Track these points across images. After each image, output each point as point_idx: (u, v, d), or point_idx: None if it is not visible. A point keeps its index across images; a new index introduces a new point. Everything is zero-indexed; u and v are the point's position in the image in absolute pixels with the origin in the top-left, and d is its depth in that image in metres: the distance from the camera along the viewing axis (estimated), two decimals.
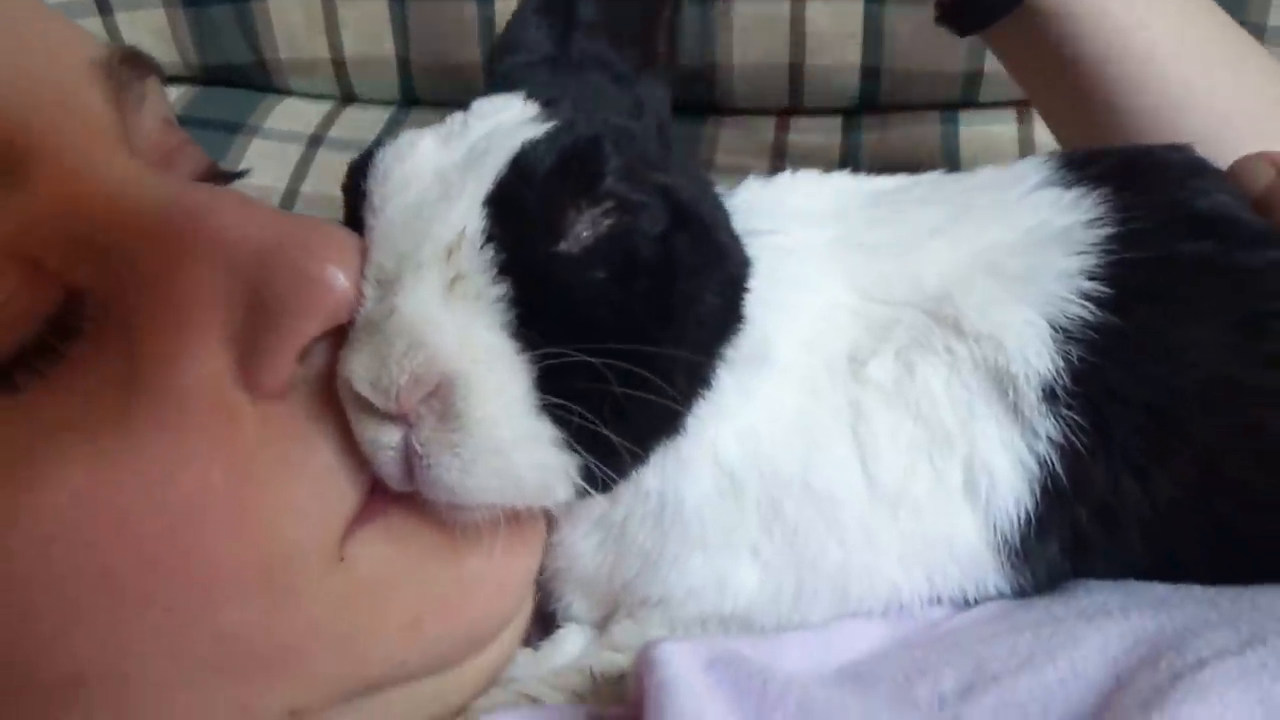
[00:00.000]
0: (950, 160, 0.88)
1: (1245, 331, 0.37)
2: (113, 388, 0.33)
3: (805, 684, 0.32)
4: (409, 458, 0.34)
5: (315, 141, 0.92)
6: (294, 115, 0.94)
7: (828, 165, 0.89)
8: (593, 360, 0.33)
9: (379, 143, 0.38)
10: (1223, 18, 0.60)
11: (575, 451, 0.34)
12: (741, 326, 0.39)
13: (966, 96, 0.87)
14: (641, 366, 0.34)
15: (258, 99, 0.95)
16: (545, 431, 0.34)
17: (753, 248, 0.40)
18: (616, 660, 0.39)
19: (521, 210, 0.34)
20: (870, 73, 0.87)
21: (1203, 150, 0.44)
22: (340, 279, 0.34)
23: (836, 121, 0.91)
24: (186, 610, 0.33)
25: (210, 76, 0.96)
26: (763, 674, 0.32)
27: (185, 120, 0.94)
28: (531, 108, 0.38)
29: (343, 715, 0.36)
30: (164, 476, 0.33)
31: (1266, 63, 0.60)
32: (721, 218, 0.40)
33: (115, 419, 0.33)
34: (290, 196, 0.89)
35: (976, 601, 0.39)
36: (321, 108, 0.95)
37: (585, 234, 0.35)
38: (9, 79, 0.35)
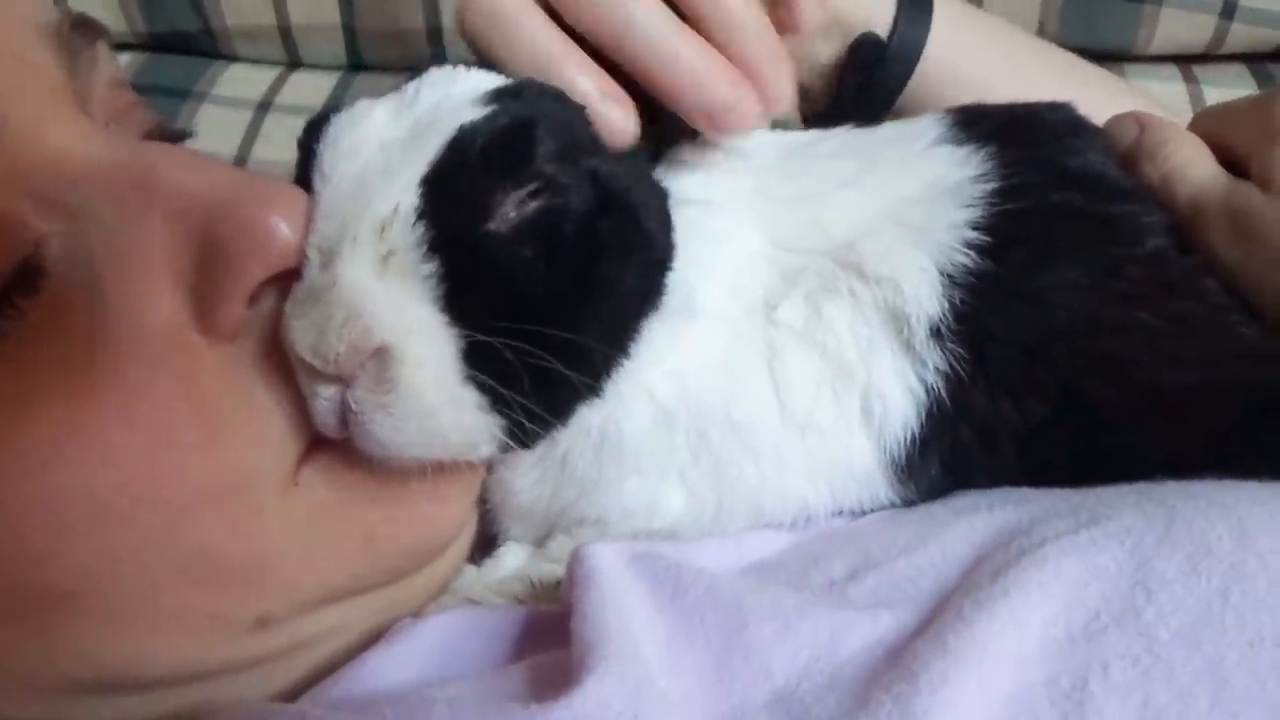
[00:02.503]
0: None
1: (1104, 273, 0.42)
2: (79, 333, 0.36)
3: (715, 573, 0.37)
4: (344, 411, 0.37)
5: (264, 107, 0.94)
6: (242, 82, 0.96)
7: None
8: (514, 343, 0.36)
9: (337, 106, 0.40)
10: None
11: (498, 414, 0.38)
12: (661, 301, 0.42)
13: None
14: (561, 344, 0.37)
15: (206, 65, 0.97)
16: (470, 398, 0.37)
17: (678, 209, 0.44)
18: (554, 570, 0.43)
19: (454, 190, 0.37)
20: None
21: None
22: (284, 228, 0.37)
23: None
24: (161, 528, 0.36)
25: (158, 43, 0.98)
26: (677, 565, 0.36)
27: (134, 87, 0.95)
28: (482, 83, 0.41)
29: (307, 622, 0.40)
30: (132, 410, 0.36)
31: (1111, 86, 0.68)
32: (655, 202, 0.43)
33: (85, 360, 0.36)
34: (240, 163, 0.91)
35: (871, 512, 0.44)
36: (269, 74, 0.97)
37: (512, 214, 0.37)
38: None
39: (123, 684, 0.37)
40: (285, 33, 0.95)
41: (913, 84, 0.61)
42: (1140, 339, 0.42)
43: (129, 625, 0.37)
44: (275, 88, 0.96)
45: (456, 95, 0.40)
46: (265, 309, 0.39)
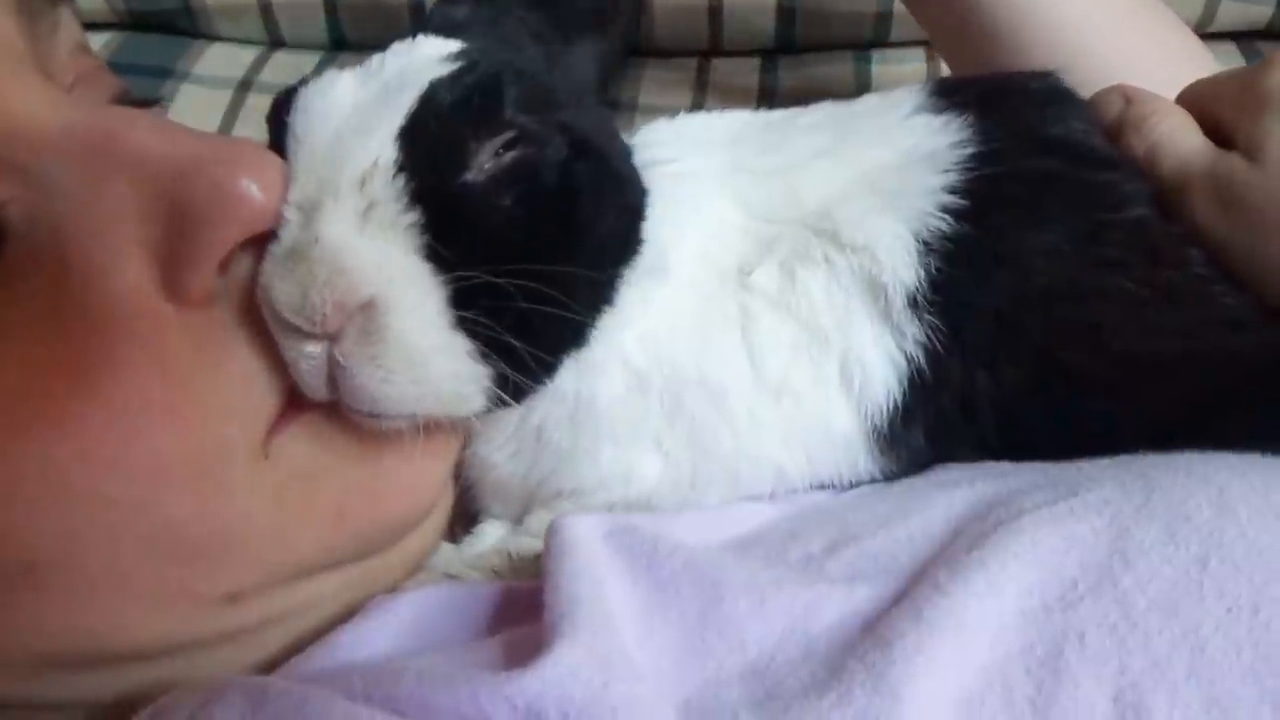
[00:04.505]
0: (863, 93, 0.92)
1: (1085, 238, 0.42)
2: (43, 299, 0.35)
3: (692, 546, 0.36)
4: (332, 369, 0.37)
5: (245, 86, 0.93)
6: (223, 60, 0.95)
7: (747, 103, 0.93)
8: (499, 281, 0.36)
9: (303, 80, 0.40)
10: None
11: (488, 362, 0.38)
12: (640, 247, 0.42)
13: (878, 36, 0.91)
14: (545, 285, 0.37)
15: (186, 44, 0.96)
16: (460, 344, 0.37)
17: (652, 175, 0.44)
18: (531, 544, 0.43)
19: (429, 142, 0.37)
20: (786, 14, 0.91)
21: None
22: (254, 189, 0.36)
23: (755, 62, 0.94)
24: (127, 500, 0.36)
25: (138, 22, 0.97)
26: (654, 538, 0.36)
27: (113, 66, 0.93)
28: (444, 48, 0.41)
29: (279, 596, 0.40)
30: (98, 379, 0.35)
31: (1165, 15, 0.65)
32: (620, 150, 0.43)
33: (46, 328, 0.35)
34: None
35: (852, 484, 0.43)
36: (250, 53, 0.96)
37: (488, 164, 0.38)
38: None
39: (91, 659, 0.37)
40: (266, 10, 0.94)
41: None
42: (1120, 306, 0.41)
43: (95, 600, 0.36)
44: (256, 67, 0.95)
45: (421, 58, 0.40)
46: (236, 275, 0.38)
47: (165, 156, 0.37)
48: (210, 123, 0.91)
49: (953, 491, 0.38)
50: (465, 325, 0.37)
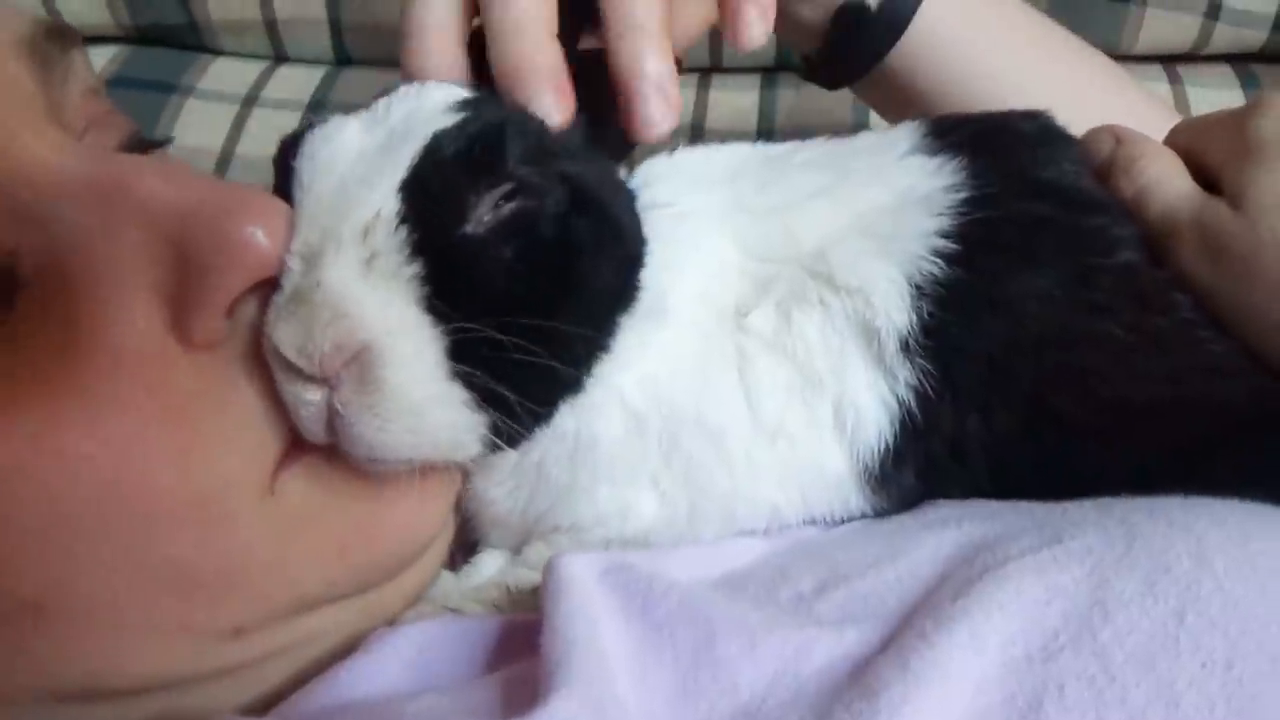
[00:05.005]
0: (859, 115, 0.93)
1: (1075, 283, 0.43)
2: (54, 344, 0.36)
3: (686, 587, 0.37)
4: (330, 416, 0.38)
5: (249, 102, 0.94)
6: (227, 75, 0.96)
7: (746, 121, 0.94)
8: (498, 336, 0.37)
9: (309, 124, 0.41)
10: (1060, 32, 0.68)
11: (484, 411, 0.38)
12: (638, 294, 0.43)
13: None
14: (542, 339, 0.38)
15: (191, 59, 0.97)
16: (456, 394, 0.38)
17: (651, 215, 0.44)
18: (530, 576, 0.44)
19: (431, 194, 0.38)
20: None
21: None
22: (260, 237, 0.37)
23: (755, 79, 0.95)
24: (132, 539, 0.36)
25: (143, 37, 0.97)
26: (649, 577, 0.37)
27: (119, 81, 0.95)
28: (451, 95, 0.41)
29: (282, 630, 0.40)
30: (105, 420, 0.36)
31: (1097, 63, 0.68)
32: (623, 201, 0.44)
33: (58, 371, 0.36)
34: (225, 158, 0.91)
35: (843, 520, 0.44)
36: (255, 68, 0.97)
37: (487, 217, 0.38)
38: None
39: (94, 693, 0.38)
40: (271, 27, 0.95)
41: (909, 48, 0.63)
42: (1108, 352, 0.42)
43: (99, 636, 0.37)
44: (260, 82, 0.96)
45: (427, 106, 0.41)
46: (242, 319, 0.39)
47: (173, 203, 0.37)
48: (214, 138, 0.92)
49: (941, 532, 0.39)
50: (461, 377, 0.38)
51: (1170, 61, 0.94)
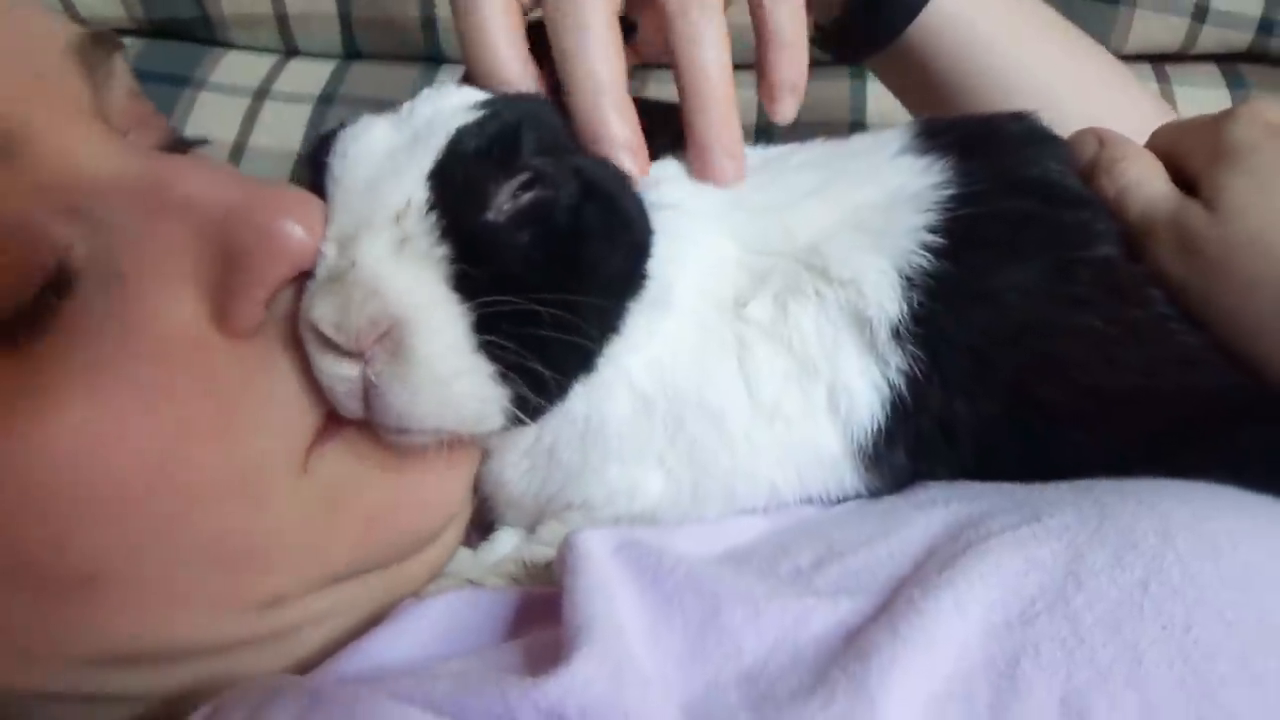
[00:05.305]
0: (858, 113, 0.96)
1: (1055, 276, 0.45)
2: (105, 332, 0.39)
3: (693, 560, 0.40)
4: (364, 389, 0.41)
5: (261, 95, 0.96)
6: (239, 68, 0.98)
7: (746, 115, 0.96)
8: (519, 306, 0.40)
9: (341, 124, 0.44)
10: (1074, 30, 0.70)
11: (506, 383, 0.41)
12: (645, 282, 0.46)
13: None
14: (560, 312, 0.41)
15: (204, 52, 0.99)
16: (482, 366, 0.41)
17: (657, 213, 0.47)
18: (545, 552, 0.46)
19: (456, 184, 0.41)
20: None
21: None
22: (297, 231, 0.40)
23: (752, 75, 0.97)
24: (177, 515, 0.39)
25: (156, 29, 1.00)
26: (658, 552, 0.40)
27: (134, 74, 0.97)
28: (470, 97, 0.44)
29: (315, 600, 0.43)
30: (153, 403, 0.39)
31: (1104, 59, 0.71)
32: (629, 191, 0.47)
33: (110, 358, 0.38)
34: (238, 150, 0.93)
35: (839, 500, 0.47)
36: (266, 61, 0.99)
37: (506, 205, 0.42)
38: (4, 71, 0.39)
39: (143, 658, 0.41)
40: (282, 21, 0.97)
41: (926, 27, 0.65)
42: (1086, 342, 0.45)
43: (148, 604, 0.40)
44: (272, 75, 0.98)
45: (449, 106, 0.44)
46: (279, 308, 0.42)
47: (215, 202, 0.40)
48: (228, 130, 0.95)
49: (930, 511, 0.42)
50: (486, 349, 0.41)
51: (1159, 61, 0.96)
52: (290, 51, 1.00)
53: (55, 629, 0.39)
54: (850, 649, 0.34)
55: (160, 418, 0.39)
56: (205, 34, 0.99)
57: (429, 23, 0.95)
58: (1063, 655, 0.33)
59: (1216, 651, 0.33)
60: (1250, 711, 0.32)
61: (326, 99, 0.96)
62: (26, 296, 0.37)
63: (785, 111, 0.52)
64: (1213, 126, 0.48)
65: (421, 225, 0.40)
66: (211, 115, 0.95)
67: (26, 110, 0.39)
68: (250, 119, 0.95)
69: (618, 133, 0.46)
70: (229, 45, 1.00)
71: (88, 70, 0.42)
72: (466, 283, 0.40)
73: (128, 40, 1.00)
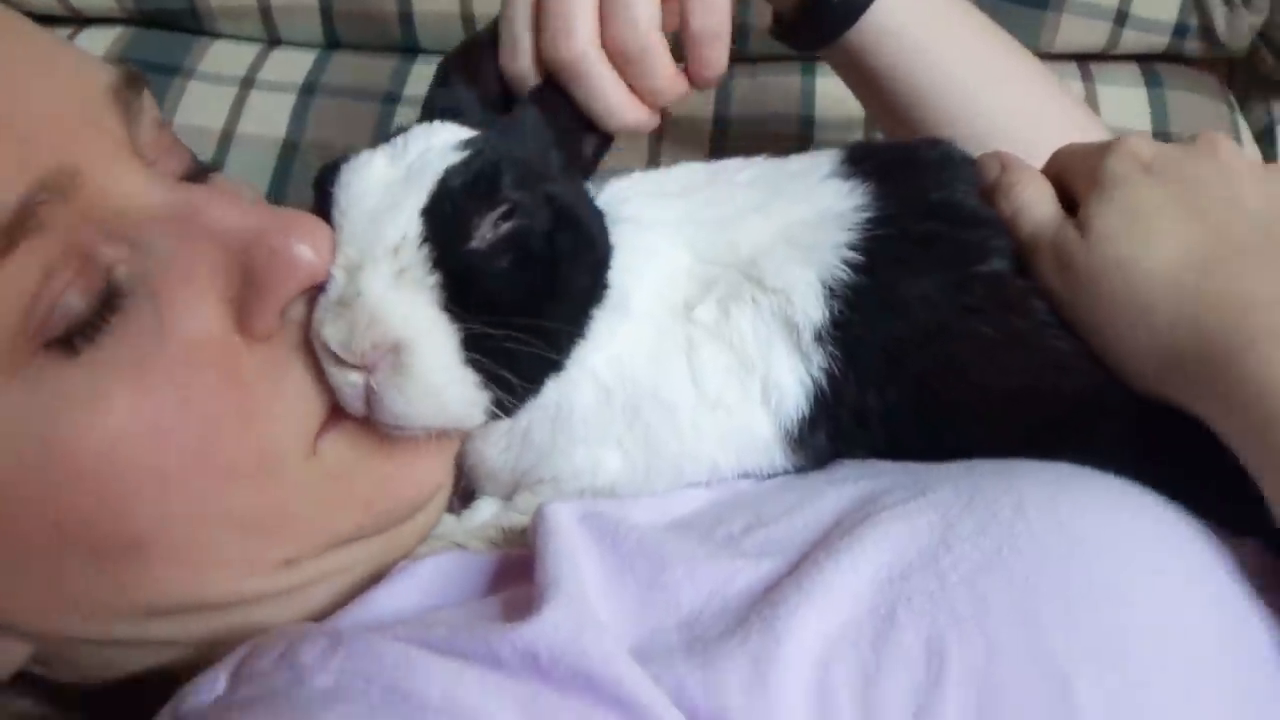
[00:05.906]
0: (807, 105, 1.03)
1: (954, 288, 0.53)
2: (146, 340, 0.45)
3: (644, 528, 0.48)
4: (367, 394, 0.48)
5: (247, 83, 1.01)
6: (225, 58, 1.03)
7: (705, 107, 1.03)
8: (497, 332, 0.48)
9: (343, 156, 0.51)
10: (1006, 38, 0.76)
11: (488, 389, 0.49)
12: (606, 291, 0.53)
13: None
14: (534, 332, 0.48)
15: (191, 41, 1.03)
16: (468, 376, 0.48)
17: (616, 227, 0.55)
18: (519, 520, 0.54)
19: (445, 219, 0.48)
20: (740, 30, 1.00)
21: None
22: (308, 253, 0.47)
23: None
24: (210, 489, 0.47)
25: (146, 19, 1.04)
26: (616, 522, 0.48)
27: (124, 61, 1.02)
28: (456, 135, 0.51)
29: (323, 561, 0.51)
30: (187, 397, 0.46)
31: (1042, 76, 0.76)
32: (594, 214, 0.54)
33: (151, 361, 0.45)
34: (226, 137, 0.98)
35: (770, 475, 0.55)
36: (250, 51, 1.04)
37: (489, 234, 0.48)
38: (57, 115, 0.45)
39: (182, 609, 0.48)
40: (265, 12, 1.02)
41: (871, 27, 0.69)
42: (978, 347, 0.52)
43: (186, 565, 0.47)
44: (256, 64, 1.03)
45: (438, 144, 0.51)
46: (292, 316, 0.49)
47: (237, 227, 0.47)
48: (215, 118, 0.99)
49: (841, 487, 0.50)
50: (472, 363, 0.48)
51: (1084, 60, 1.04)
52: (273, 41, 1.05)
53: (110, 587, 0.47)
54: (765, 600, 0.43)
55: (193, 409, 0.46)
56: (193, 24, 1.03)
57: (406, 16, 1.01)
58: (929, 605, 0.42)
59: (1049, 602, 0.41)
60: (1068, 651, 0.40)
61: (309, 88, 1.02)
62: (85, 312, 0.44)
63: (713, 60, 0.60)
64: (1096, 156, 0.54)
65: (416, 257, 0.47)
66: (199, 103, 1.00)
67: (80, 150, 0.45)
68: (237, 107, 1.00)
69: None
70: (215, 35, 1.05)
71: (123, 109, 0.49)
72: (456, 305, 0.48)
73: (118, 29, 1.04)
